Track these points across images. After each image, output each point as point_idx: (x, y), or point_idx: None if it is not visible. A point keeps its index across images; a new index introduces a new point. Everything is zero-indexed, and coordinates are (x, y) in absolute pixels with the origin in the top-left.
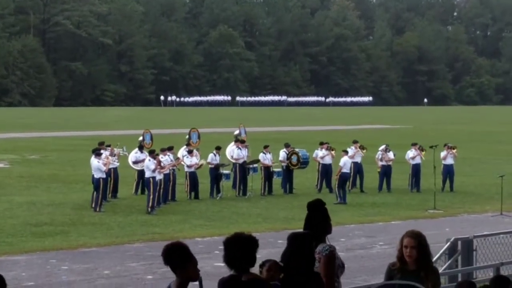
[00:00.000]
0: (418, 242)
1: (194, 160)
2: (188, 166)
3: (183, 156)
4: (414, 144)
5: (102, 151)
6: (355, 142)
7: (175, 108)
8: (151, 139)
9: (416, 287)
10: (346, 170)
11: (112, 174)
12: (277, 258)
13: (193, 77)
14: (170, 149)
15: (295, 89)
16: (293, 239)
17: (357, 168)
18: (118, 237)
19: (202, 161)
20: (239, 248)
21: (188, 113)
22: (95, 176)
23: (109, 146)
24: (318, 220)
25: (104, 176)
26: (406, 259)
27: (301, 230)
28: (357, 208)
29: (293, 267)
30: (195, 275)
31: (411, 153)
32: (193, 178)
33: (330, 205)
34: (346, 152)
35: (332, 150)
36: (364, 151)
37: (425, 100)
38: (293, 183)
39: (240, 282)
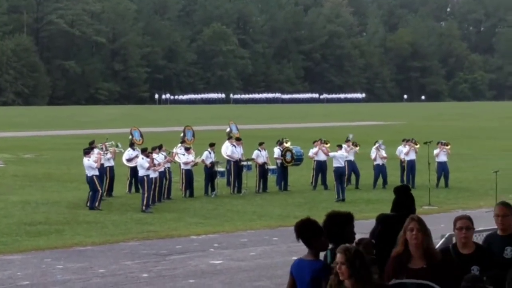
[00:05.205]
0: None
1: (190, 157)
2: (185, 164)
3: (177, 153)
4: (405, 140)
5: (94, 149)
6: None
7: (169, 106)
8: (141, 135)
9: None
10: (339, 164)
11: (108, 173)
12: (276, 254)
13: (187, 75)
14: (160, 147)
15: (289, 86)
16: (383, 220)
17: (351, 166)
18: (113, 236)
19: (198, 159)
20: (336, 223)
21: (182, 111)
22: (88, 174)
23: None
24: (405, 203)
25: (97, 172)
26: None
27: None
28: (352, 205)
29: (383, 246)
30: (326, 245)
31: (404, 149)
32: (188, 176)
33: (327, 202)
34: (340, 147)
35: (326, 143)
36: (357, 148)
37: (410, 96)
38: (288, 180)
39: None
